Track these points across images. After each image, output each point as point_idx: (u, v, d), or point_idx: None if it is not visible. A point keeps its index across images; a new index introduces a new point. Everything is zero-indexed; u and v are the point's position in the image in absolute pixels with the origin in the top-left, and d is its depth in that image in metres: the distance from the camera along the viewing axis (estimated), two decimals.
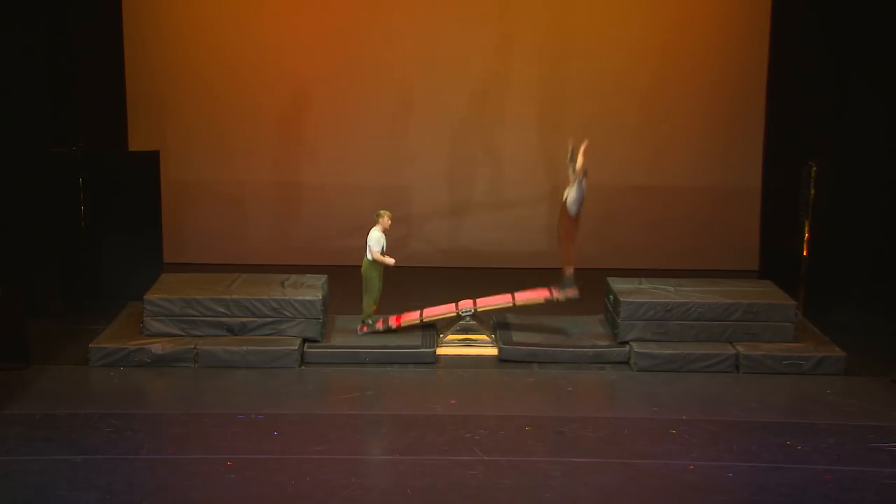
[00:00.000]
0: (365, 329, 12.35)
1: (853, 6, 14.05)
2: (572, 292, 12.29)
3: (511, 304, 12.53)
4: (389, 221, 12.29)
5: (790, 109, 14.97)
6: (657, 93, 15.94)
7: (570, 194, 12.14)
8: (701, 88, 15.91)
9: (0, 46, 12.87)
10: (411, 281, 13.91)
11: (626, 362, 12.01)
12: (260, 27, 15.81)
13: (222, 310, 12.10)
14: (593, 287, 13.13)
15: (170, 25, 15.84)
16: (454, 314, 12.48)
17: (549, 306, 13.02)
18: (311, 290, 12.34)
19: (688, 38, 15.81)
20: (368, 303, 12.31)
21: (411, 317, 12.57)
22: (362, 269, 12.29)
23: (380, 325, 12.43)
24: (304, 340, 12.04)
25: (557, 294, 12.33)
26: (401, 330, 12.48)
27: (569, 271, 12.31)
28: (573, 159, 12.04)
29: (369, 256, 12.18)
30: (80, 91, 14.49)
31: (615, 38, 15.77)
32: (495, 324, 12.78)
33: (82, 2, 14.61)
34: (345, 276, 13.80)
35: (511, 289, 12.81)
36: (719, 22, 15.83)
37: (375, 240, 12.18)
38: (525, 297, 12.54)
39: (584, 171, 11.98)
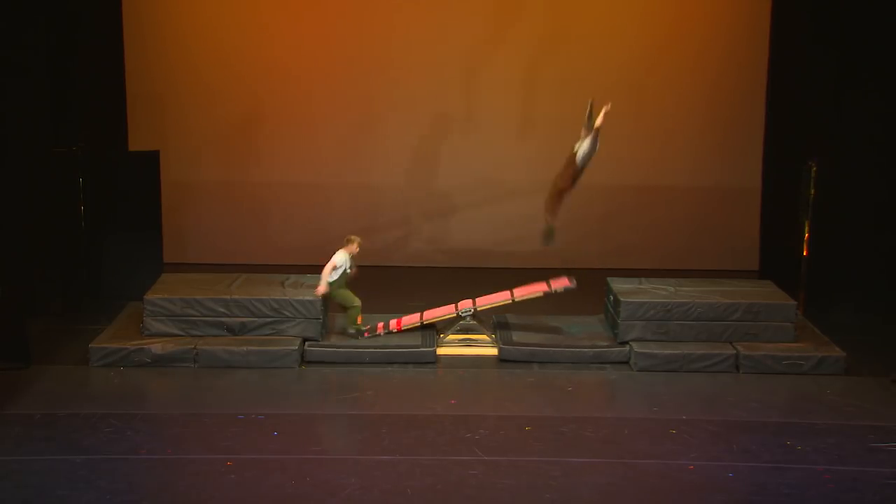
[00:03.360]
0: (366, 335, 12.32)
1: (853, 6, 14.04)
2: (569, 282, 12.30)
3: (510, 301, 12.53)
4: (358, 248, 12.21)
5: (790, 109, 14.97)
6: (657, 92, 15.94)
7: (583, 147, 11.98)
8: (701, 88, 15.91)
9: (0, 46, 12.87)
10: (411, 281, 13.92)
11: (626, 362, 12.01)
12: (260, 27, 15.81)
13: (222, 310, 12.10)
14: (593, 287, 13.14)
15: (170, 25, 15.84)
16: (454, 315, 12.48)
17: (549, 306, 13.05)
18: (311, 290, 12.33)
19: (688, 38, 15.81)
20: (353, 314, 12.25)
21: (411, 320, 12.57)
22: (331, 290, 12.21)
23: (380, 330, 12.43)
24: (304, 340, 12.04)
25: (555, 285, 12.35)
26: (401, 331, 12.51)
27: (551, 220, 12.19)
28: (591, 117, 11.87)
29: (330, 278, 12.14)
30: (80, 91, 14.49)
31: (615, 38, 15.78)
32: (495, 324, 12.78)
33: (82, 2, 14.61)
34: None
35: (510, 288, 12.81)
36: (719, 22, 15.82)
37: (340, 260, 12.08)
38: (523, 291, 12.55)
39: (599, 130, 11.80)
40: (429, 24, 15.85)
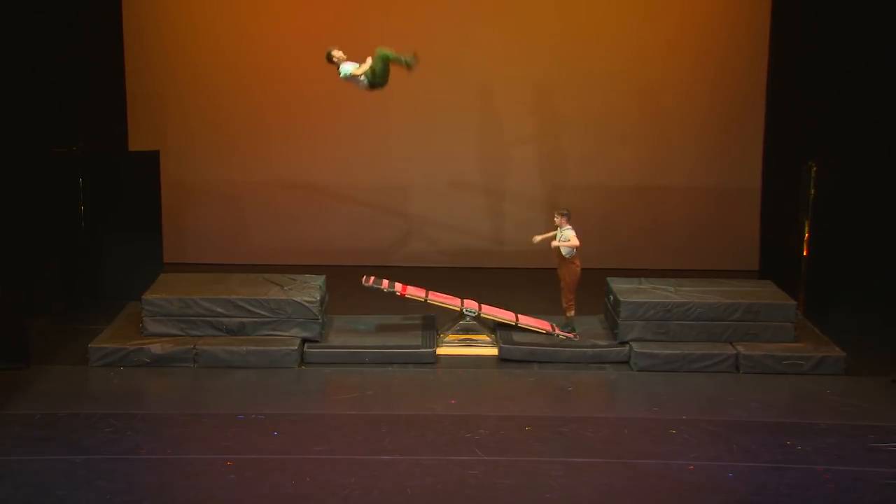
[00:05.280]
0: (371, 281, 12.34)
1: (853, 6, 14.04)
2: (573, 335, 12.30)
3: (514, 323, 12.47)
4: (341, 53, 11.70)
5: (790, 109, 14.96)
6: (657, 93, 15.94)
7: (561, 245, 12.16)
8: (701, 88, 15.90)
9: (0, 47, 12.87)
10: (411, 281, 13.83)
11: (626, 362, 12.01)
12: (260, 27, 15.81)
13: (221, 310, 12.09)
14: (593, 287, 13.13)
15: (170, 25, 15.84)
16: (458, 309, 12.47)
17: (548, 305, 13.04)
18: (310, 291, 12.33)
19: (688, 38, 15.80)
20: (401, 57, 11.75)
21: (417, 292, 12.55)
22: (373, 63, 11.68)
23: (385, 286, 12.41)
24: (304, 340, 12.03)
25: (559, 332, 12.32)
26: (401, 328, 12.53)
27: (570, 314, 12.37)
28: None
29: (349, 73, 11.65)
30: (80, 91, 14.49)
31: (615, 38, 15.77)
32: (495, 324, 12.76)
33: (82, 2, 14.61)
34: (344, 276, 13.81)
35: (511, 289, 12.90)
36: (719, 22, 15.82)
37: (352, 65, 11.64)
38: (528, 322, 12.49)
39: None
40: (429, 24, 15.82)
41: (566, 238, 12.10)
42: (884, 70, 14.03)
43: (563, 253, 12.17)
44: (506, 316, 12.55)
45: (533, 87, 16.01)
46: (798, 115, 14.75)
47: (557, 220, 12.24)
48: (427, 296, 12.55)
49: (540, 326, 12.45)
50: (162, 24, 15.81)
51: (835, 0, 14.27)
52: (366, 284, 12.46)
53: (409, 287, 12.59)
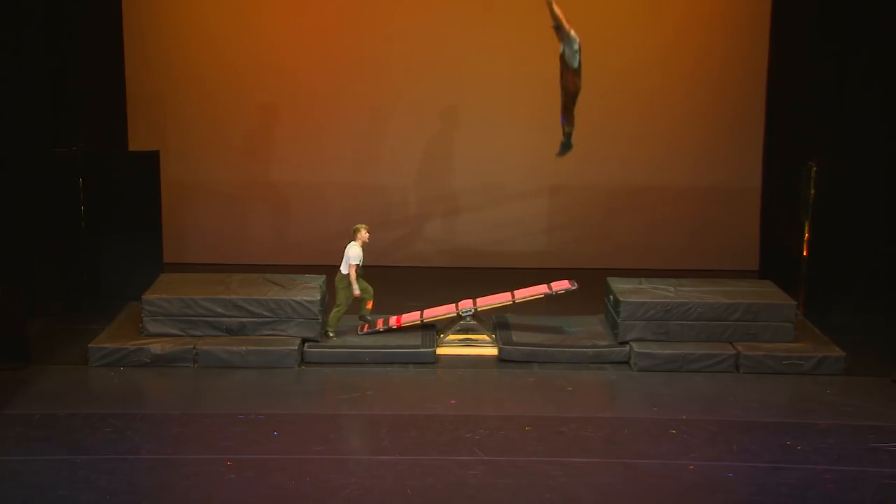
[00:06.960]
0: (366, 328, 12.35)
1: (853, 6, 14.04)
2: (569, 284, 12.25)
3: (511, 302, 12.51)
4: (367, 234, 12.28)
5: (790, 109, 14.96)
6: (657, 93, 15.94)
7: (562, 48, 11.79)
8: (701, 88, 15.91)
9: (0, 47, 12.86)
10: (411, 281, 13.92)
11: (626, 362, 12.01)
12: (259, 28, 15.81)
13: (221, 310, 12.09)
14: (593, 287, 13.13)
15: (170, 25, 15.84)
16: (454, 314, 12.48)
17: (549, 305, 13.04)
18: (310, 291, 12.33)
19: (688, 39, 15.80)
20: (335, 315, 12.29)
21: (412, 317, 12.58)
22: (335, 281, 12.28)
23: (380, 325, 12.44)
24: (304, 340, 12.03)
25: (556, 287, 12.30)
26: (401, 329, 12.50)
27: (568, 128, 12.11)
28: (554, 17, 11.71)
29: (344, 270, 12.19)
30: (80, 91, 14.47)
31: (615, 38, 15.76)
32: (495, 324, 12.77)
33: (82, 2, 14.61)
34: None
35: (511, 289, 12.81)
36: (719, 22, 15.82)
37: (355, 255, 12.15)
38: (524, 293, 12.54)
39: (561, 23, 11.64)
40: (430, 24, 15.83)
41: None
42: (884, 70, 14.02)
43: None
44: (502, 299, 12.54)
45: (533, 87, 15.98)
46: (798, 115, 14.74)
47: None
48: (422, 317, 12.55)
49: (537, 293, 12.43)
50: (162, 24, 15.81)
51: (835, 0, 14.27)
52: (361, 333, 12.41)
53: (402, 317, 12.59)
